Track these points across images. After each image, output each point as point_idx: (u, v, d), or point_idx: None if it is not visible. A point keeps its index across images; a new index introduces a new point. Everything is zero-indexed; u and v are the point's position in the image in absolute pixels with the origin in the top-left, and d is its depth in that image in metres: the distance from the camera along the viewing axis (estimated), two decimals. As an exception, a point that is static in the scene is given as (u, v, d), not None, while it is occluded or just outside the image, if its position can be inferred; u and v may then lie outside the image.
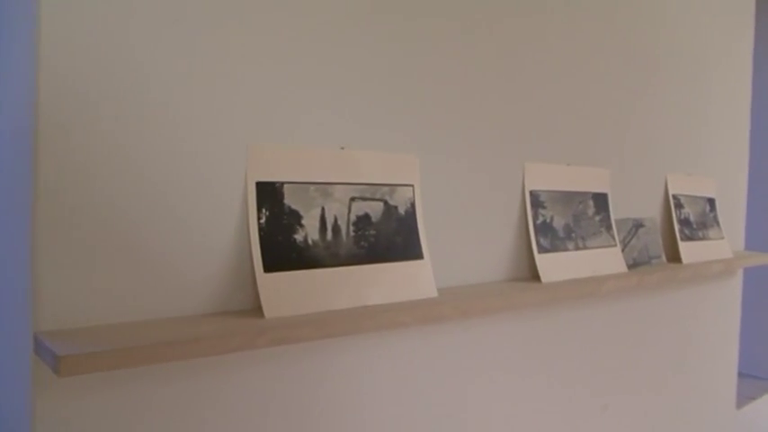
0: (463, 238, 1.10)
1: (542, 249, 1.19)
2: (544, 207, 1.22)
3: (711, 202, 1.72)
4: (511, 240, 1.18)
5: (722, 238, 1.71)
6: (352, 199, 0.95)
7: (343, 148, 0.94)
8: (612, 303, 1.40)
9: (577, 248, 1.26)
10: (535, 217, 1.20)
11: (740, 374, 2.79)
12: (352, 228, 0.94)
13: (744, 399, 2.21)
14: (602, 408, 1.39)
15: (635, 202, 1.48)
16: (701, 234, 1.63)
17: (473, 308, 0.96)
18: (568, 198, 1.27)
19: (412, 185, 1.01)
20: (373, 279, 0.93)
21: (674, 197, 1.57)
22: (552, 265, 1.19)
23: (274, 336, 0.78)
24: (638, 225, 1.46)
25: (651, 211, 1.53)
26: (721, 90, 1.81)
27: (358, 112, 0.95)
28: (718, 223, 1.72)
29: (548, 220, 1.22)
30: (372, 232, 0.96)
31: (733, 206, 1.90)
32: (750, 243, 2.14)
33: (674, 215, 1.55)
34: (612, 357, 1.41)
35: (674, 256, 1.55)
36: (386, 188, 0.98)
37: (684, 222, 1.58)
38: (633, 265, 1.40)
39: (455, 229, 1.08)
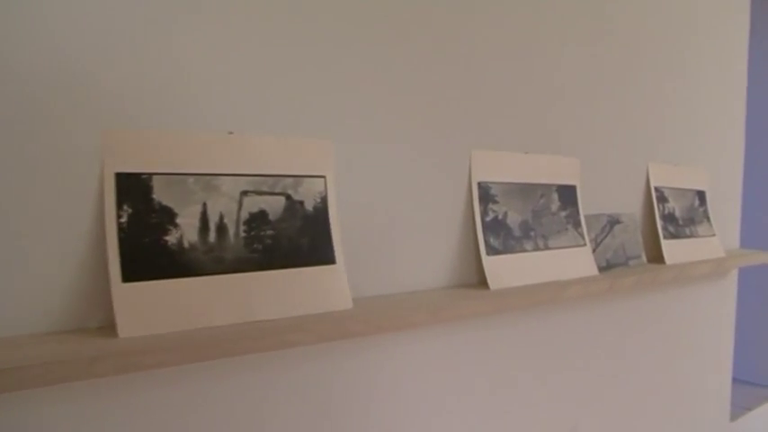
0: (394, 239, 0.94)
1: (492, 251, 1.03)
2: (495, 201, 1.06)
3: (701, 195, 1.55)
4: (455, 241, 1.02)
5: (713, 234, 1.54)
6: (244, 193, 0.80)
7: (231, 133, 0.79)
8: (582, 310, 1.24)
9: (537, 249, 1.10)
10: (484, 213, 1.04)
11: (738, 381, 2.62)
12: (243, 228, 0.79)
13: (739, 409, 2.04)
14: (571, 430, 1.24)
15: (611, 195, 1.32)
16: (688, 231, 1.46)
17: (391, 322, 0.81)
18: (527, 191, 1.11)
19: (324, 176, 0.86)
20: (267, 289, 0.78)
21: (657, 190, 1.41)
22: (503, 269, 1.03)
23: (118, 362, 0.63)
24: (613, 221, 1.29)
25: (630, 206, 1.36)
26: (714, 75, 1.64)
27: (254, 88, 0.80)
28: (708, 219, 1.55)
29: (500, 217, 1.06)
30: (269, 232, 0.80)
31: (727, 200, 1.73)
32: (746, 240, 1.97)
33: (656, 210, 1.39)
34: (583, 371, 1.25)
35: (657, 256, 1.38)
36: (289, 180, 0.83)
37: (668, 218, 1.41)
38: (606, 267, 1.24)
39: (383, 229, 0.93)
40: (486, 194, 1.04)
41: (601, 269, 1.22)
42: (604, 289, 1.12)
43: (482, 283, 1.03)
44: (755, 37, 2.20)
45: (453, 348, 1.01)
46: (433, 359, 0.98)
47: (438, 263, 1.00)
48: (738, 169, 1.76)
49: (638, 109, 1.38)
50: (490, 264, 1.02)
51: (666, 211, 1.41)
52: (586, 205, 1.25)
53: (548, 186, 1.15)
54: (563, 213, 1.17)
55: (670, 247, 1.38)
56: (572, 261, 1.15)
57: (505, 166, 1.08)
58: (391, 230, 0.94)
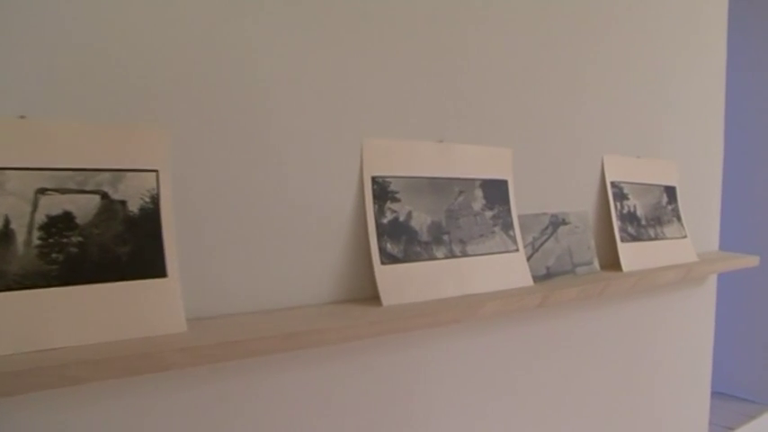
0: (257, 247, 0.79)
1: (388, 259, 0.88)
2: (396, 200, 0.91)
3: (671, 191, 1.38)
4: (342, 247, 0.87)
5: (684, 236, 1.37)
6: (41, 191, 0.65)
7: (23, 117, 0.65)
8: (512, 328, 1.08)
9: (451, 256, 0.94)
10: (379, 213, 0.88)
11: (719, 395, 2.43)
12: (38, 234, 0.64)
13: (719, 429, 1.86)
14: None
15: (556, 191, 1.16)
16: (652, 232, 1.29)
17: (226, 350, 0.66)
18: (440, 187, 0.96)
19: (156, 171, 0.71)
20: (67, 310, 0.64)
21: (614, 185, 1.24)
22: (402, 281, 0.88)
23: None
24: (557, 222, 1.13)
25: (581, 204, 1.20)
26: (688, 61, 1.46)
27: (45, 64, 0.66)
28: (679, 218, 1.38)
29: (401, 218, 0.91)
30: (76, 240, 0.66)
31: (706, 199, 1.56)
32: (727, 242, 1.79)
33: (612, 209, 1.22)
34: (517, 402, 1.09)
35: (615, 262, 1.21)
36: (106, 175, 0.69)
37: (628, 218, 1.25)
38: (546, 276, 1.08)
39: (242, 234, 0.78)
40: (382, 191, 0.89)
41: (537, 279, 1.06)
42: (535, 303, 0.96)
43: (376, 297, 0.87)
44: (736, 26, 2.02)
45: (315, 382, 0.86)
46: (286, 399, 0.83)
47: (319, 274, 0.85)
48: (717, 165, 1.58)
49: (592, 94, 1.21)
50: (385, 274, 0.87)
51: (626, 210, 1.25)
52: (523, 204, 1.09)
53: (469, 181, 1.00)
54: (489, 213, 1.01)
55: (629, 252, 1.22)
56: (499, 270, 1.00)
57: (410, 158, 0.93)
58: (253, 235, 0.79)
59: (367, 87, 0.89)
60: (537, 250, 1.09)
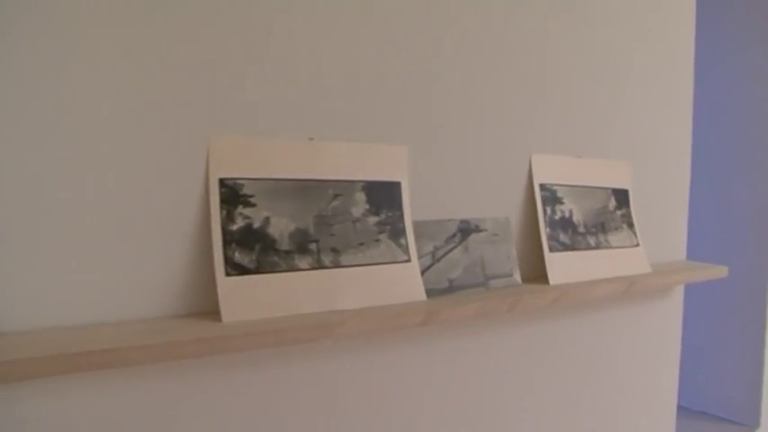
0: (81, 255, 0.71)
1: (236, 270, 0.79)
2: (250, 204, 0.82)
3: (621, 195, 1.24)
4: (187, 258, 0.79)
5: (636, 245, 1.23)
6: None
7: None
8: (402, 347, 0.97)
9: (320, 267, 0.85)
10: (229, 220, 0.80)
11: (686, 411, 2.24)
12: None
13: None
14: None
15: (470, 195, 1.05)
16: (592, 241, 1.16)
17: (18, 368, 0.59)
18: (308, 190, 0.86)
19: None
20: None
21: (545, 188, 1.12)
22: (250, 295, 0.79)
23: None
24: (468, 229, 1.02)
25: (503, 209, 1.08)
26: (648, 53, 1.32)
27: None
28: (631, 225, 1.24)
29: (256, 225, 0.81)
30: None
31: (671, 204, 1.41)
32: (698, 251, 1.63)
33: (540, 214, 1.10)
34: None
35: (545, 273, 1.09)
36: None
37: (561, 224, 1.12)
38: (448, 290, 0.97)
39: (57, 241, 0.70)
40: (232, 195, 0.80)
41: (435, 293, 0.95)
42: (416, 321, 0.86)
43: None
44: (706, 20, 1.84)
45: (118, 407, 0.78)
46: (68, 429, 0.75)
47: (159, 287, 0.77)
48: (685, 168, 1.44)
49: (518, 85, 1.09)
50: (229, 287, 0.78)
51: (558, 216, 1.12)
52: (425, 209, 0.98)
53: (347, 184, 0.90)
54: (373, 219, 0.91)
55: (558, 263, 1.09)
56: (382, 283, 0.89)
57: (270, 158, 0.84)
58: (68, 243, 0.71)
59: (220, 77, 0.80)
60: (438, 260, 0.98)
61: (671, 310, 1.41)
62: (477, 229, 1.04)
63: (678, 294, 1.42)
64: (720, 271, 1.35)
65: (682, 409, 2.30)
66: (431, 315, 0.88)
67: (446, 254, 0.99)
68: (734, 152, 1.98)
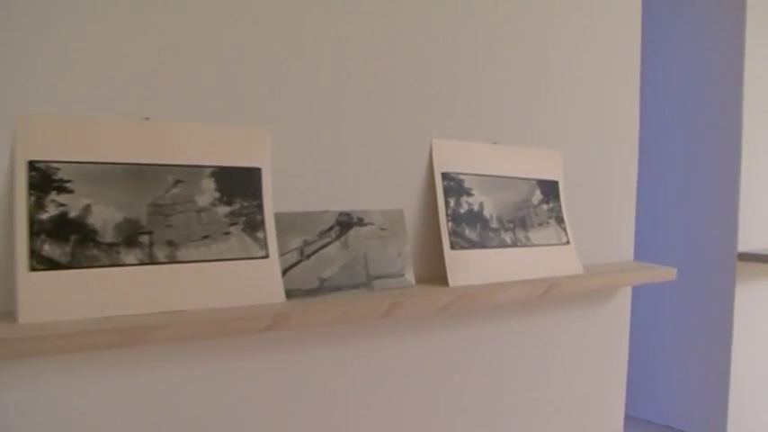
0: None
1: (44, 264, 0.72)
2: (67, 190, 0.74)
3: (549, 187, 1.14)
4: (-13, 248, 0.72)
5: (566, 242, 1.13)
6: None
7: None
8: (255, 356, 0.88)
9: (151, 262, 0.77)
10: (38, 208, 0.73)
11: (659, 427, 2.08)
12: None
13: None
14: None
15: (354, 184, 0.96)
16: (508, 238, 1.06)
17: None
18: (141, 176, 0.79)
19: None
20: None
21: (448, 177, 1.02)
22: (59, 293, 0.72)
23: None
24: (348, 223, 0.93)
25: (396, 200, 0.99)
26: (589, 32, 1.21)
27: None
28: (560, 220, 1.13)
29: (73, 214, 0.74)
30: None
31: (617, 199, 1.30)
32: (661, 252, 1.50)
33: (441, 207, 1.00)
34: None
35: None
36: None
37: (467, 218, 1.02)
38: (318, 290, 0.89)
39: None
40: (44, 180, 0.73)
41: (298, 293, 0.87)
42: (261, 326, 0.77)
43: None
44: (653, 9, 1.71)
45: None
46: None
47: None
48: (632, 161, 1.33)
49: (418, 56, 1.00)
50: (33, 283, 0.71)
51: (464, 209, 1.02)
52: (295, 198, 0.90)
53: (192, 169, 0.82)
54: (224, 209, 0.83)
55: (461, 262, 1.00)
56: (230, 282, 0.81)
57: (94, 139, 0.76)
58: None
59: (27, 51, 0.73)
60: (307, 257, 0.89)
61: (615, 315, 1.30)
62: (361, 223, 0.95)
63: (624, 298, 1.31)
64: (668, 273, 1.23)
65: (646, 424, 2.16)
66: (279, 319, 0.80)
67: (318, 250, 0.91)
68: (692, 147, 1.83)
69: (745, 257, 1.58)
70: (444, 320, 1.06)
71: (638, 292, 1.72)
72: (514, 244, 1.08)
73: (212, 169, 0.85)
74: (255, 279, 0.85)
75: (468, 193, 1.05)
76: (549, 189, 1.15)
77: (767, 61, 1.67)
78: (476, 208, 1.05)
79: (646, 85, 1.70)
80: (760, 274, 1.64)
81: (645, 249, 1.71)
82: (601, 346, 1.29)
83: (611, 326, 1.30)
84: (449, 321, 1.06)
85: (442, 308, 0.94)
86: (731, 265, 1.56)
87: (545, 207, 1.14)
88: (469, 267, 1.01)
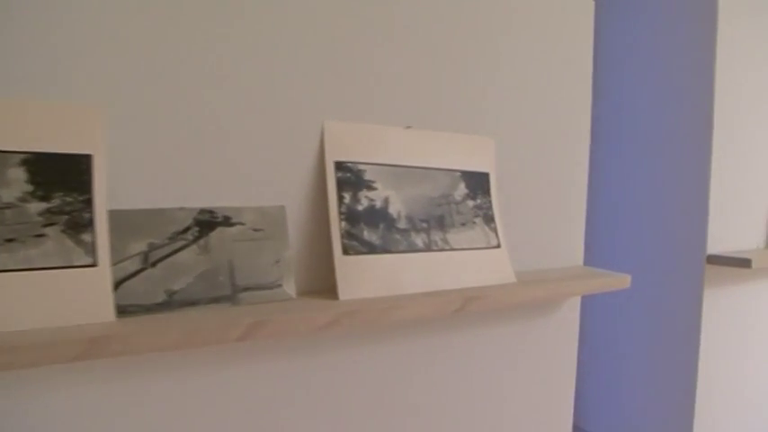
0: None
1: None
2: None
3: (477, 179, 0.98)
4: None
5: (496, 246, 0.97)
6: None
7: None
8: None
9: (-72, 273, 0.62)
10: None
11: None
12: None
13: None
14: None
15: (224, 176, 0.80)
16: (420, 240, 0.90)
17: None
18: None
19: None
20: None
21: (343, 167, 0.86)
22: None
23: None
24: (210, 222, 0.78)
25: (279, 195, 0.83)
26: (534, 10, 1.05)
27: None
28: (489, 219, 0.97)
29: None
30: None
31: (565, 199, 1.14)
32: (626, 259, 1.34)
33: (332, 203, 0.84)
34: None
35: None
36: None
37: (367, 217, 0.87)
38: (165, 306, 0.73)
39: None
40: None
41: (137, 310, 0.71)
42: (66, 356, 0.62)
43: None
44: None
45: None
46: None
47: None
48: (582, 154, 1.16)
49: (300, 17, 0.83)
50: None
51: (363, 205, 0.86)
52: (136, 192, 0.74)
53: (-7, 157, 0.66)
54: (38, 207, 0.68)
55: (356, 270, 0.84)
56: (41, 297, 0.66)
57: None
58: None
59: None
60: (153, 265, 0.74)
61: (560, 327, 1.14)
62: (228, 222, 0.80)
63: (571, 308, 1.16)
64: (620, 281, 1.08)
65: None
66: (95, 345, 0.64)
67: (168, 255, 0.75)
68: (661, 144, 1.65)
69: (715, 260, 1.42)
70: (331, 342, 0.90)
71: (598, 295, 1.57)
72: (428, 248, 0.92)
73: (21, 157, 0.69)
74: (76, 293, 0.70)
75: (370, 187, 0.89)
76: (477, 182, 0.99)
77: (739, 58, 1.50)
78: (378, 204, 0.89)
79: (612, 78, 1.53)
80: (730, 278, 1.49)
81: (607, 252, 1.56)
82: (544, 362, 1.14)
83: (556, 340, 1.15)
84: (336, 343, 0.90)
85: (324, 327, 0.78)
86: (699, 269, 1.39)
87: (471, 203, 0.98)
88: (366, 277, 0.86)
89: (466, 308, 0.89)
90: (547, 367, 1.16)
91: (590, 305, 1.53)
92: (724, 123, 1.48)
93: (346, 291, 0.84)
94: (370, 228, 0.88)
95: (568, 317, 1.17)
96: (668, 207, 1.43)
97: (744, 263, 1.36)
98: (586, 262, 1.40)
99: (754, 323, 1.66)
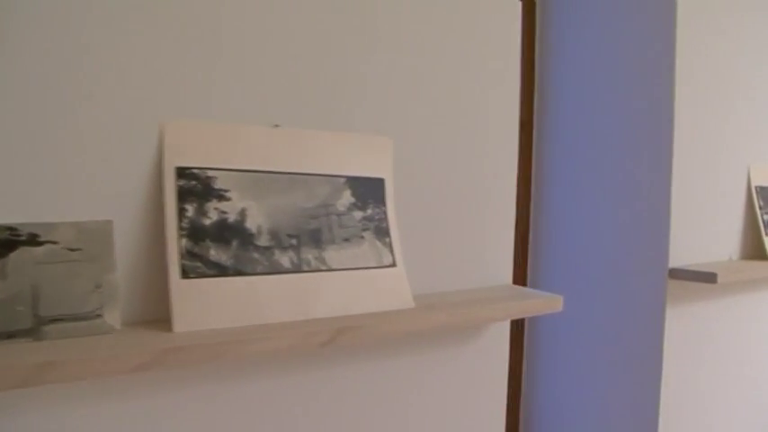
0: None
1: None
2: None
3: (367, 186, 0.85)
4: None
5: (391, 265, 0.83)
6: None
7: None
8: None
9: None
10: None
11: None
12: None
13: None
14: None
15: (33, 186, 0.68)
16: (287, 260, 0.77)
17: None
18: None
19: None
20: None
21: (187, 174, 0.73)
22: None
23: None
24: (9, 242, 0.66)
25: (105, 208, 0.71)
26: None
27: None
28: (382, 234, 0.83)
29: None
30: None
31: (492, 211, 0.99)
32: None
33: (170, 216, 0.71)
34: None
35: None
36: None
37: (216, 233, 0.73)
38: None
39: None
40: None
41: None
42: None
43: None
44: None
45: None
46: None
47: None
48: (510, 164, 1.01)
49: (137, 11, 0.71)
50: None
51: (212, 219, 0.73)
52: None
53: None
54: None
55: (197, 295, 0.71)
56: None
57: None
58: None
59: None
60: (-75, 294, 0.62)
61: (482, 357, 0.99)
62: (34, 241, 0.67)
63: (498, 334, 1.00)
64: (551, 303, 0.93)
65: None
66: None
67: (-53, 283, 0.63)
68: (620, 152, 1.45)
69: (678, 275, 1.24)
70: (158, 384, 0.76)
71: (548, 316, 1.42)
72: (297, 269, 0.78)
73: None
74: None
75: (221, 197, 0.76)
76: (368, 190, 0.86)
77: (699, 62, 1.35)
78: (232, 218, 0.76)
79: (568, 83, 1.37)
80: (694, 293, 1.31)
81: (559, 268, 1.40)
82: (461, 397, 0.99)
83: (477, 371, 0.99)
84: (163, 386, 0.76)
85: (140, 368, 0.65)
86: (660, 284, 1.22)
87: (358, 215, 0.84)
88: (212, 304, 0.72)
89: (337, 340, 0.75)
90: (464, 404, 1.00)
91: (541, 325, 1.38)
92: (686, 125, 1.33)
93: (184, 321, 0.71)
94: (219, 245, 0.75)
95: (493, 344, 1.02)
96: (626, 216, 1.26)
97: (709, 277, 1.20)
98: (534, 280, 1.25)
99: (720, 342, 1.48)
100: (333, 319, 0.78)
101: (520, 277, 1.45)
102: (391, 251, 0.87)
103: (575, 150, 1.39)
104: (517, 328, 1.48)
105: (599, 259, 1.34)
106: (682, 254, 1.34)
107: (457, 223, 0.99)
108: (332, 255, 0.82)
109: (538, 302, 0.94)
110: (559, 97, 1.41)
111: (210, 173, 0.76)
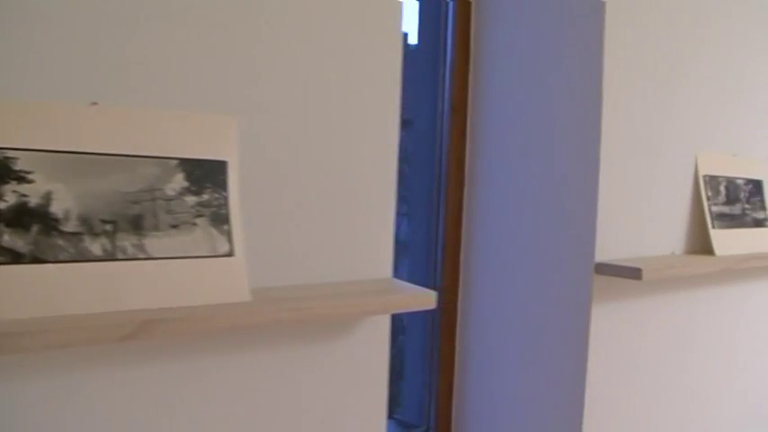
0: None
1: None
2: None
3: (204, 169, 0.80)
4: None
5: (226, 254, 0.77)
6: None
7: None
8: None
9: None
10: None
11: None
12: None
13: None
14: None
15: None
16: (98, 247, 0.72)
17: None
18: None
19: None
20: None
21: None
22: None
23: None
24: None
25: None
26: None
27: None
28: (219, 220, 0.78)
29: None
30: None
31: (369, 197, 0.92)
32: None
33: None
34: None
35: None
36: None
37: (9, 218, 0.69)
38: None
39: None
40: None
41: None
42: None
43: None
44: None
45: None
46: None
47: None
48: (390, 150, 0.94)
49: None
50: None
51: (5, 203, 0.69)
52: None
53: None
54: None
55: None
56: None
57: None
58: None
59: None
60: None
61: (352, 355, 0.91)
62: None
63: (375, 330, 0.92)
64: (422, 299, 0.84)
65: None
66: None
67: None
68: (544, 145, 1.34)
69: (604, 270, 1.13)
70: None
71: (471, 311, 1.33)
72: (111, 256, 0.73)
73: None
74: None
75: (22, 179, 0.71)
76: (206, 173, 0.80)
77: (626, 59, 1.23)
78: (34, 201, 0.71)
79: (494, 75, 1.29)
80: (620, 290, 1.19)
81: (482, 260, 1.31)
82: (323, 399, 0.91)
83: (347, 371, 0.92)
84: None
85: None
86: (587, 278, 1.11)
87: (191, 200, 0.78)
88: (2, 293, 0.68)
89: (140, 334, 0.70)
90: (327, 407, 0.92)
91: (474, 320, 1.30)
92: (621, 113, 1.22)
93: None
94: (15, 231, 0.70)
95: (368, 340, 0.94)
96: (551, 208, 1.16)
97: (634, 273, 1.08)
98: (465, 276, 1.17)
99: (650, 341, 1.36)
100: (141, 311, 0.72)
101: (452, 270, 1.37)
102: (229, 240, 0.81)
103: (503, 140, 1.31)
104: (450, 321, 1.40)
105: (526, 252, 1.25)
106: (619, 247, 1.23)
107: (325, 213, 0.91)
108: (154, 242, 0.76)
109: (404, 299, 0.85)
110: (490, 84, 1.33)
111: (10, 153, 0.71)
